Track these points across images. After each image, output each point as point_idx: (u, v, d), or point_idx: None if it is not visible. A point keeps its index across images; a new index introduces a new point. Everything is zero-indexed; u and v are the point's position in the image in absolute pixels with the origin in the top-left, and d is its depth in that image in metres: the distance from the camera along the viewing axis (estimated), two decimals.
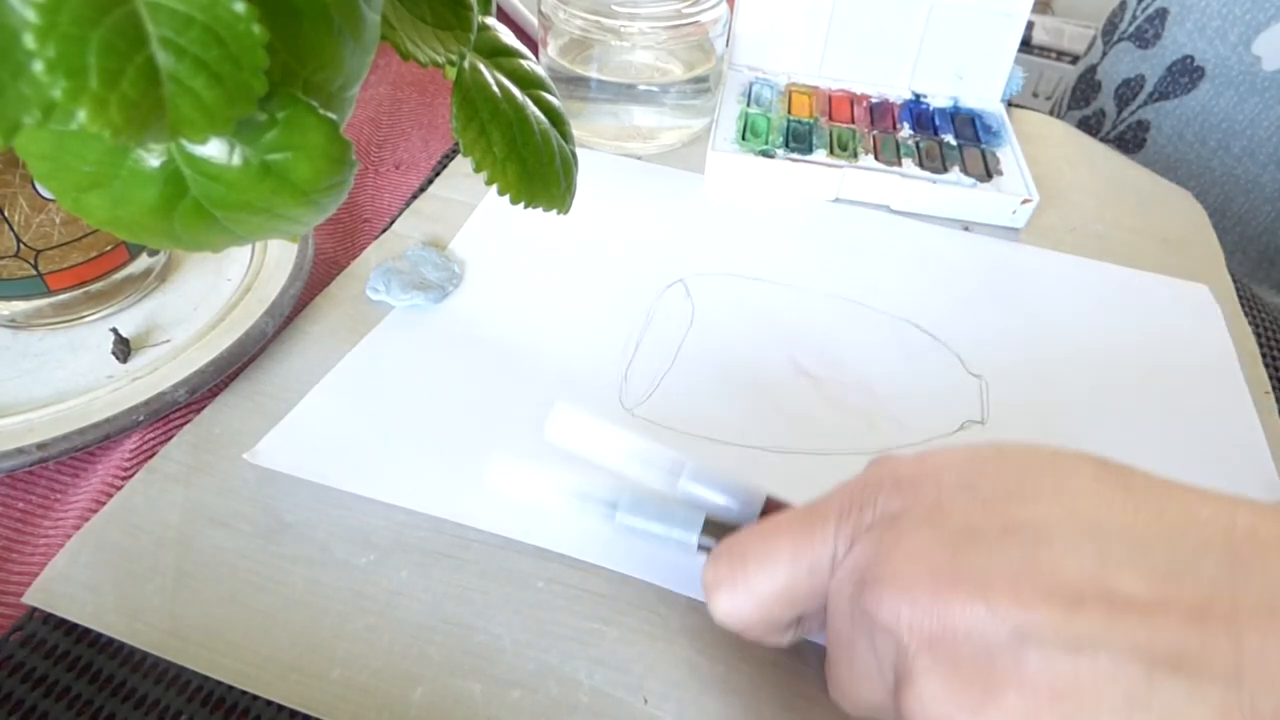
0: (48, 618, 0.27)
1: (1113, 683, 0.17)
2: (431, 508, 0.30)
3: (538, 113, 0.29)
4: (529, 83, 0.30)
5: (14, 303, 0.35)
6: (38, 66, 0.10)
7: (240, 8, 0.11)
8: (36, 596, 0.27)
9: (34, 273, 0.33)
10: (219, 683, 0.25)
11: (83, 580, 0.27)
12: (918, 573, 0.19)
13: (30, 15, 0.10)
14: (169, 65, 0.11)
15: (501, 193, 0.28)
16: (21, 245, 0.33)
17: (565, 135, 0.31)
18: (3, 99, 0.10)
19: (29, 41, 0.10)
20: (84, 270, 0.35)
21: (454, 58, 0.26)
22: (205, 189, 0.14)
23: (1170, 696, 0.17)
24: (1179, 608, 0.17)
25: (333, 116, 0.14)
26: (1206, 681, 0.17)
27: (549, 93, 0.30)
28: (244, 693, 0.25)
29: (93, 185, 0.14)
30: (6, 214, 0.32)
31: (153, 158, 0.13)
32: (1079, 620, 0.17)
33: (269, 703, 0.25)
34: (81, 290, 0.35)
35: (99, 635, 0.26)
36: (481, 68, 0.27)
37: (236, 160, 0.13)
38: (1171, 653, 0.17)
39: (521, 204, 0.29)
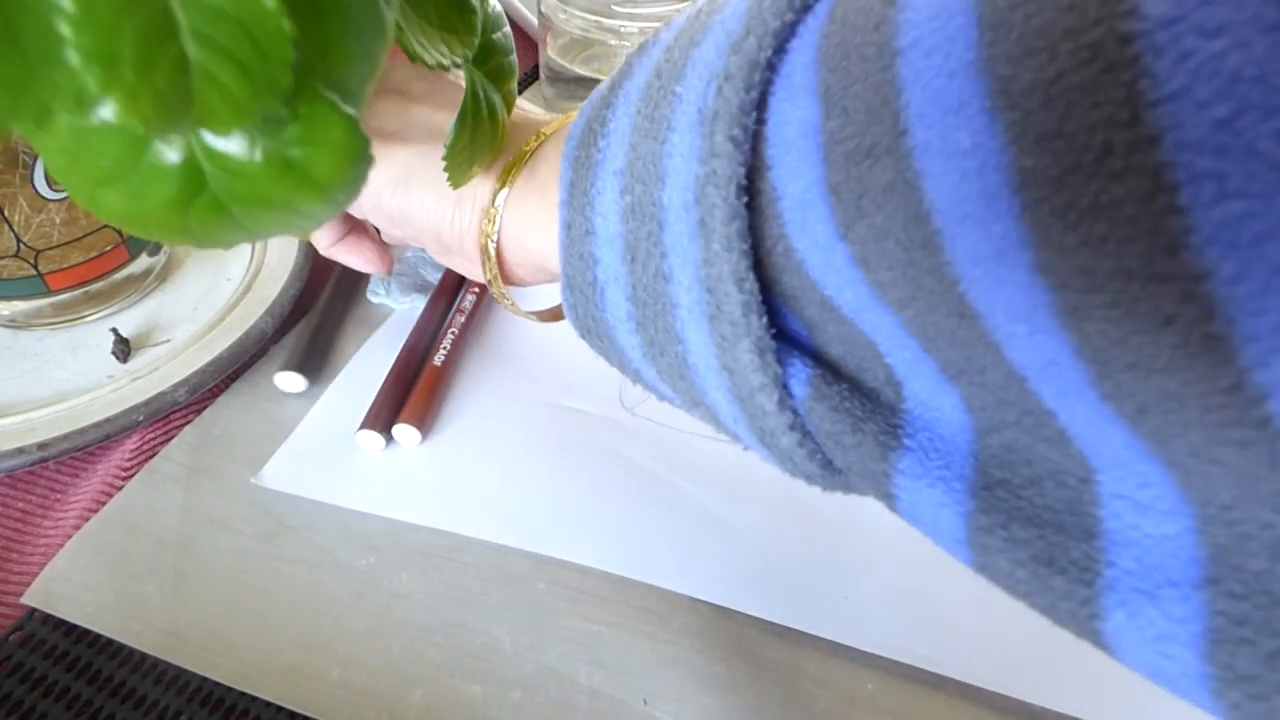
0: (47, 618, 0.26)
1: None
2: (435, 521, 0.30)
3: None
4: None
5: (14, 303, 0.35)
6: (71, 54, 0.10)
7: (270, 3, 0.11)
8: (36, 597, 0.27)
9: (34, 273, 0.33)
10: (218, 684, 0.25)
11: (82, 581, 0.27)
12: None
13: (65, 3, 0.10)
14: (198, 57, 0.11)
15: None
16: (21, 245, 0.33)
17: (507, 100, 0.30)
18: (35, 86, 0.11)
19: (63, 28, 0.10)
20: (84, 270, 0.35)
21: (458, 60, 0.26)
22: (225, 184, 0.14)
23: None
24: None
25: (352, 112, 0.14)
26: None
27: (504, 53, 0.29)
28: (243, 693, 0.25)
29: (110, 180, 0.14)
30: (6, 214, 0.32)
31: (172, 152, 0.13)
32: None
33: (268, 704, 0.25)
34: (81, 290, 0.35)
35: (98, 636, 0.26)
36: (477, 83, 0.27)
37: (258, 155, 0.14)
38: None
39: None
